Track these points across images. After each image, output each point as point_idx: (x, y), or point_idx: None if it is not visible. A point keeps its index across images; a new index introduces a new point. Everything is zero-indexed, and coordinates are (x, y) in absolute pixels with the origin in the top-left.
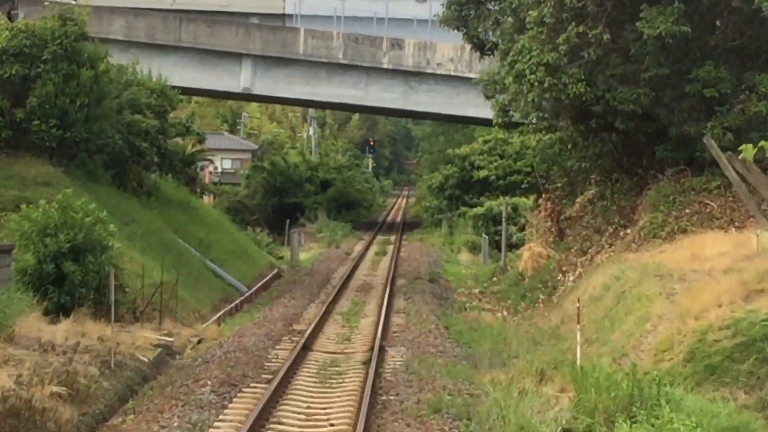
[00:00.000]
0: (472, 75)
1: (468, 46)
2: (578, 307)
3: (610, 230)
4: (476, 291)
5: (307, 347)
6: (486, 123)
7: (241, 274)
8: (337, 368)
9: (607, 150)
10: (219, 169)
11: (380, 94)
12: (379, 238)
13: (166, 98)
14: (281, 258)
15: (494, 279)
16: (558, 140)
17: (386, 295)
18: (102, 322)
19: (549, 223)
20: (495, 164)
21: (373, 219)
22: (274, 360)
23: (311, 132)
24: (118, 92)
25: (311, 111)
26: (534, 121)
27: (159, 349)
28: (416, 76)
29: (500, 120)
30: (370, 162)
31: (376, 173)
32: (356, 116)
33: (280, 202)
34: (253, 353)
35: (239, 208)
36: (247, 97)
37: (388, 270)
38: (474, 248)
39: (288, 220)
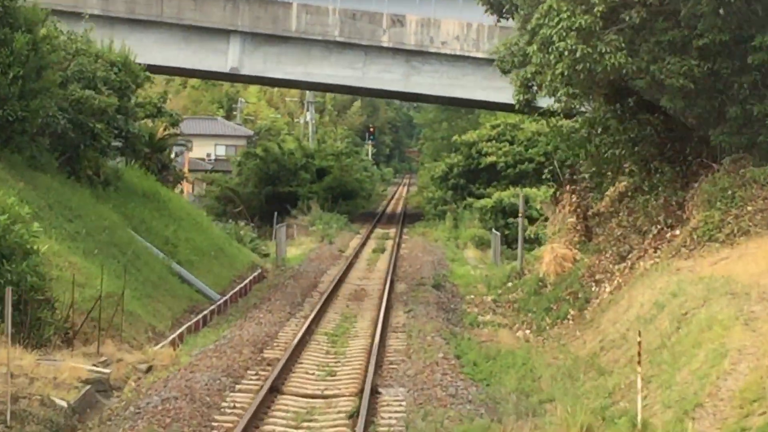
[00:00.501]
0: (479, 55)
1: (475, 24)
2: (639, 348)
3: (654, 231)
4: (489, 299)
5: (276, 389)
6: (495, 107)
7: (215, 277)
8: (313, 422)
9: (647, 134)
10: (212, 156)
11: (379, 75)
12: (378, 231)
13: (130, 73)
14: (267, 256)
15: (509, 284)
16: (586, 122)
17: (383, 307)
18: (23, 347)
19: (574, 220)
20: (504, 150)
21: (372, 209)
22: (228, 412)
23: (309, 118)
24: (64, 63)
25: (309, 96)
26: (563, 98)
27: (88, 386)
28: (419, 55)
29: (522, 98)
30: (370, 149)
31: (377, 161)
32: (357, 102)
33: (274, 191)
34: (202, 401)
35: (230, 197)
36: (235, 77)
37: (386, 272)
38: (482, 243)
39: (276, 213)
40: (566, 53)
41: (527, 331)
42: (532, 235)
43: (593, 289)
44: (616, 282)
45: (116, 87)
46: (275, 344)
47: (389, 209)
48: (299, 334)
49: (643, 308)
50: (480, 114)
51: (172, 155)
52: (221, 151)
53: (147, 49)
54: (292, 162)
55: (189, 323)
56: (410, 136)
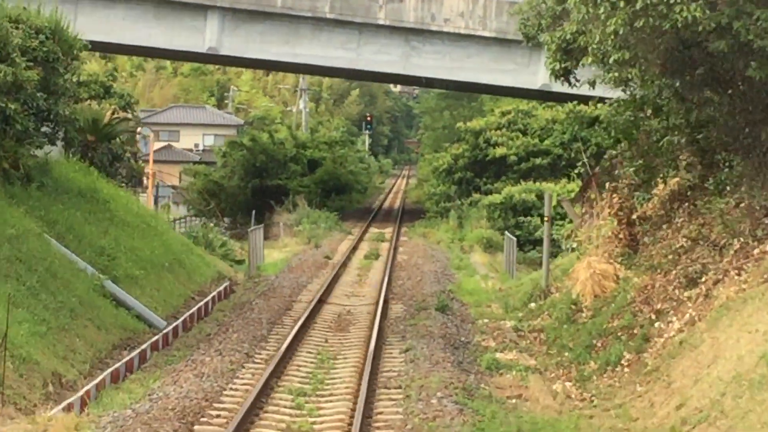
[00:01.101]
0: (486, 33)
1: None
2: None
3: (735, 245)
4: (508, 325)
5: None
6: (504, 92)
7: (166, 296)
8: None
9: (719, 115)
10: (200, 147)
11: (375, 56)
12: (372, 231)
13: (62, 43)
14: (241, 263)
15: (532, 305)
16: (632, 102)
17: (372, 343)
18: None
19: (615, 226)
20: (516, 142)
21: (367, 205)
22: None
23: (302, 106)
24: None
25: (302, 83)
26: (614, 68)
27: None
28: (419, 34)
29: (558, 66)
30: (367, 139)
31: (375, 152)
32: (354, 91)
33: (261, 184)
34: None
35: (215, 190)
36: (214, 58)
37: (380, 287)
38: (490, 246)
39: (254, 211)
40: (622, 4)
41: (566, 383)
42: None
43: (654, 323)
44: (687, 315)
45: (40, 59)
46: (212, 415)
47: (387, 204)
48: (252, 396)
49: (743, 363)
50: (484, 101)
51: (138, 144)
52: (209, 141)
53: (115, 27)
54: (282, 153)
55: (114, 366)
56: (409, 126)
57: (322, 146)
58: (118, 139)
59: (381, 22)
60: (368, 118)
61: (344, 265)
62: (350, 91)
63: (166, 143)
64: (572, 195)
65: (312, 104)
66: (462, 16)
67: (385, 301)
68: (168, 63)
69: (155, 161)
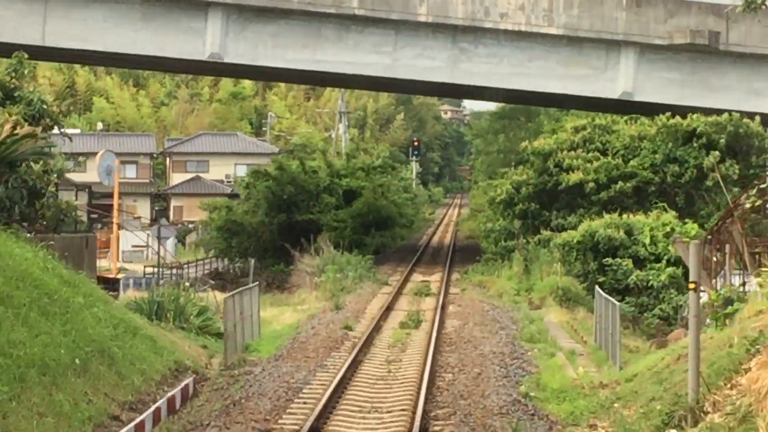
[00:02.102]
0: (554, 30)
1: None
2: None
3: None
4: None
5: None
6: (575, 104)
7: (57, 426)
8: None
9: None
10: (231, 178)
11: (416, 62)
12: (415, 279)
13: None
14: (220, 338)
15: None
16: None
17: None
18: None
19: None
20: (595, 164)
21: (413, 242)
22: None
23: (342, 130)
24: None
25: (341, 105)
26: None
27: None
28: (469, 33)
29: None
30: (415, 166)
31: (424, 180)
32: (400, 115)
33: (289, 220)
34: None
35: (234, 229)
36: (216, 68)
37: (416, 391)
38: (567, 299)
39: (252, 260)
40: None
41: None
42: (637, 282)
43: None
44: None
45: None
46: None
47: (435, 239)
48: None
49: None
50: (543, 121)
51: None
52: (242, 171)
53: (93, 31)
54: (314, 183)
55: None
56: (461, 153)
57: (360, 174)
58: (32, 165)
59: (422, 19)
60: (415, 144)
61: (369, 342)
62: (396, 115)
63: (194, 174)
64: (687, 233)
65: (354, 131)
66: (522, 10)
67: (424, 422)
68: (204, 89)
69: (181, 194)
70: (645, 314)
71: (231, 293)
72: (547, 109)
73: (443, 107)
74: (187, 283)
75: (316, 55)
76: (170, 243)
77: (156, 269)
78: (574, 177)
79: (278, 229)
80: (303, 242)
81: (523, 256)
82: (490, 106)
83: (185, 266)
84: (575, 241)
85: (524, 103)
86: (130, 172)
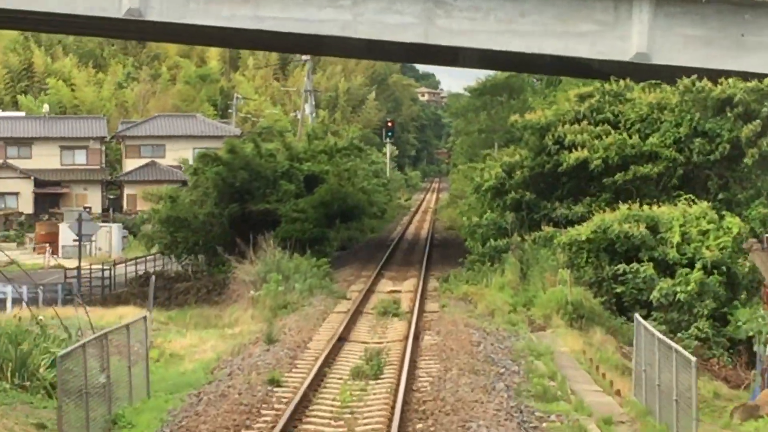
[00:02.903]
0: None
1: None
2: None
3: None
4: None
5: None
6: (577, 69)
7: None
8: None
9: None
10: (190, 163)
11: (382, 17)
12: (382, 290)
13: None
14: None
15: None
16: None
17: None
18: None
19: None
20: (605, 140)
21: (385, 234)
22: None
23: (308, 111)
24: None
25: (307, 83)
26: None
27: None
28: None
29: None
30: (389, 149)
31: (400, 164)
32: (372, 95)
33: (242, 210)
34: None
35: (180, 222)
36: (137, 28)
37: None
38: (579, 316)
39: (153, 278)
40: None
41: None
42: (661, 298)
43: None
44: None
45: None
46: None
47: (410, 231)
48: None
49: None
50: (528, 96)
51: None
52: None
53: None
54: (271, 167)
55: None
56: (438, 136)
57: (322, 157)
58: None
59: None
60: (389, 124)
61: (300, 410)
62: (367, 96)
63: (149, 159)
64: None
65: (324, 112)
66: None
67: None
68: (165, 69)
69: (135, 181)
70: (678, 335)
71: (79, 343)
72: (533, 83)
73: (420, 89)
74: (38, 318)
75: (259, 11)
76: (116, 237)
77: (101, 267)
78: (576, 155)
79: (230, 221)
80: (256, 237)
81: (518, 258)
82: (471, 83)
83: (126, 263)
84: (584, 238)
85: (514, 69)
86: (80, 157)
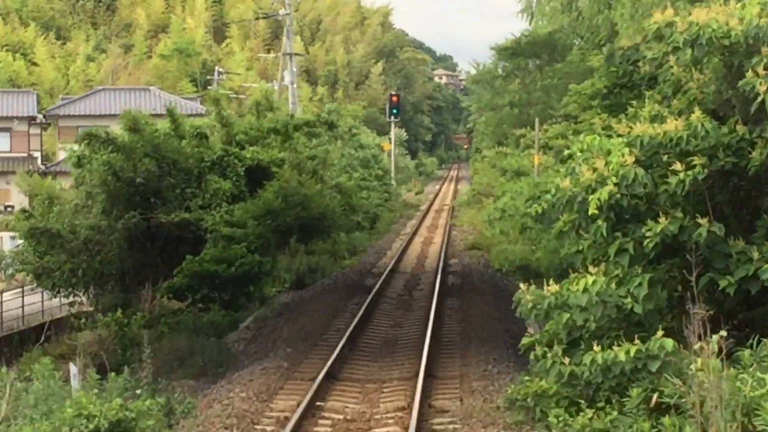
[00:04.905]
0: None
1: None
2: None
3: None
4: None
5: None
6: None
7: None
8: None
9: None
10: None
11: None
12: None
13: None
14: None
15: None
16: None
17: None
18: None
19: None
20: None
21: (370, 260)
22: None
23: (288, 79)
24: None
25: (287, 42)
26: None
27: None
28: None
29: None
30: (393, 131)
31: (413, 150)
32: (377, 67)
33: (147, 223)
34: None
35: (50, 241)
36: None
37: None
38: None
39: None
40: None
41: None
42: None
43: None
44: None
45: None
46: None
47: (413, 253)
48: None
49: None
50: (575, 58)
51: None
52: None
53: None
54: (196, 154)
55: None
56: (457, 120)
57: (273, 140)
58: None
59: None
60: (394, 99)
61: None
62: (371, 69)
63: None
64: None
65: (323, 88)
66: None
67: None
68: (141, 40)
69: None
70: None
71: None
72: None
73: (438, 71)
74: None
75: None
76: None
77: None
78: None
79: (126, 239)
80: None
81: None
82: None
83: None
84: None
85: None
86: (2, 143)
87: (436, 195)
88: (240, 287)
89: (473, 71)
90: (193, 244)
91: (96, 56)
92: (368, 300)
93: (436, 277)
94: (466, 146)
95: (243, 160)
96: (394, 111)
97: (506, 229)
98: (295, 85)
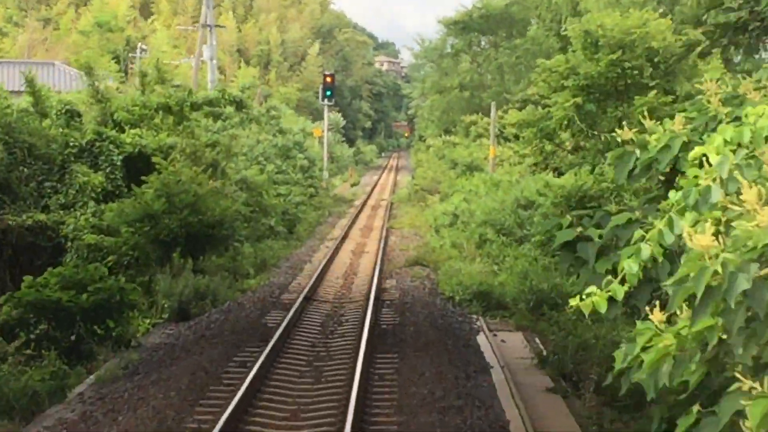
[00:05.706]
0: None
1: None
2: None
3: None
4: None
5: None
6: None
7: None
8: None
9: None
10: None
11: None
12: None
13: None
14: None
15: None
16: None
17: None
18: None
19: None
20: None
21: (279, 282)
22: None
23: (206, 55)
24: None
25: (206, 13)
26: None
27: None
28: None
29: None
30: (326, 115)
31: (351, 137)
32: (314, 47)
33: None
34: None
35: None
36: None
37: None
38: None
39: None
40: None
41: None
42: None
43: None
44: None
45: None
46: None
47: (337, 269)
48: None
49: None
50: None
51: None
52: None
53: None
54: (59, 139)
55: None
56: (398, 107)
57: (162, 120)
58: None
59: None
60: (327, 79)
61: None
62: (308, 49)
63: None
64: None
65: (255, 69)
66: None
67: None
68: (65, 13)
69: None
70: None
71: None
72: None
73: (379, 58)
74: None
75: None
76: None
77: None
78: None
79: None
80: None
81: None
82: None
83: None
84: None
85: None
86: None
87: (374, 187)
88: (95, 322)
89: (417, 47)
90: (52, 255)
91: (10, 30)
92: (261, 359)
93: (365, 313)
94: (407, 134)
95: (121, 146)
96: (328, 93)
97: (459, 241)
98: (215, 61)
